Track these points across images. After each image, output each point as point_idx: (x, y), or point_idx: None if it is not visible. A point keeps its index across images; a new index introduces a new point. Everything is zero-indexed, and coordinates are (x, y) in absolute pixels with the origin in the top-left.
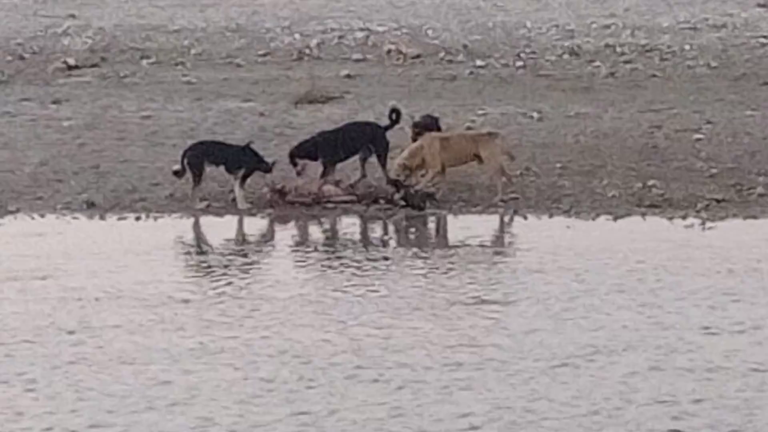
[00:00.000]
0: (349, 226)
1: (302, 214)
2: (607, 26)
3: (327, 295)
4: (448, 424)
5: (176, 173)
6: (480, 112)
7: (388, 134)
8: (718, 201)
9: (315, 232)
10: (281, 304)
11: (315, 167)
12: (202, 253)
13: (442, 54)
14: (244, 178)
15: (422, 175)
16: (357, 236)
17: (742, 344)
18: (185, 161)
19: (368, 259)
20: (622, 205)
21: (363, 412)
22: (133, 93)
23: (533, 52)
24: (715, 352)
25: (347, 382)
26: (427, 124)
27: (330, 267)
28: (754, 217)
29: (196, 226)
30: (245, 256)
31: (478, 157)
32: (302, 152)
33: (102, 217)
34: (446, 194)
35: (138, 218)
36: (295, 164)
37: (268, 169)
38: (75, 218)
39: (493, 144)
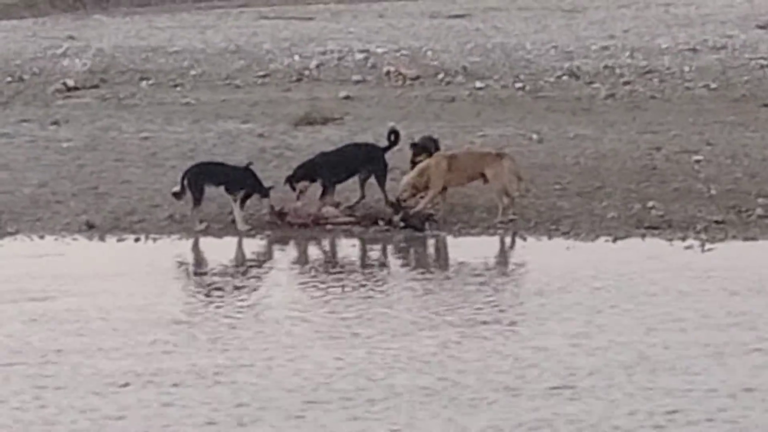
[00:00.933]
0: (348, 247)
1: (301, 235)
2: (606, 48)
3: (325, 316)
4: None
5: (176, 194)
6: (479, 133)
7: (387, 156)
8: (717, 222)
9: (314, 253)
10: (278, 325)
11: (314, 189)
12: (201, 274)
13: (441, 75)
14: (243, 200)
15: (421, 197)
16: (356, 258)
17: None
18: (185, 182)
19: (367, 281)
20: (621, 227)
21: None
22: (133, 114)
23: (532, 74)
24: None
25: (347, 403)
26: (426, 146)
27: (328, 289)
28: (754, 239)
29: (196, 247)
30: (244, 277)
31: (483, 176)
32: (300, 175)
33: (101, 239)
34: (446, 215)
35: (137, 239)
36: (293, 189)
37: (265, 194)
38: (74, 239)
39: (499, 164)
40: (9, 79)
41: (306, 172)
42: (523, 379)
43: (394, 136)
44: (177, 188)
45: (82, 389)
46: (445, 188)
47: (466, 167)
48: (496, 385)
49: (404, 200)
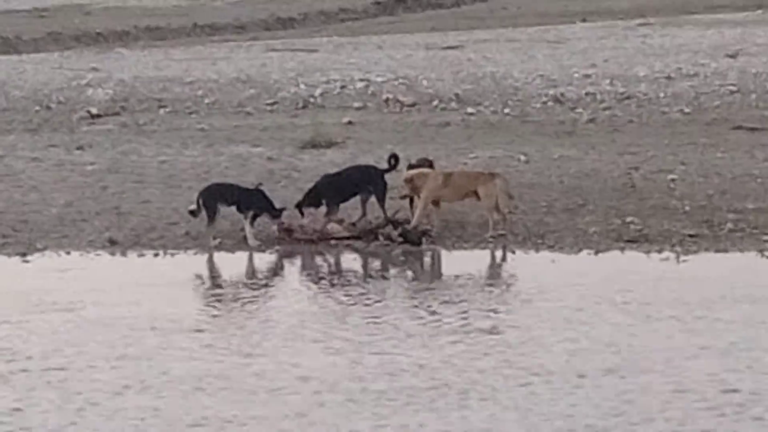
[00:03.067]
0: (351, 261)
1: (308, 250)
2: (588, 76)
3: (330, 324)
4: None
5: (192, 213)
6: (471, 155)
7: (387, 177)
8: (691, 236)
9: (319, 266)
10: (285, 332)
11: (320, 208)
12: (216, 286)
13: (435, 102)
14: (254, 218)
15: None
16: (358, 270)
17: (717, 366)
18: (200, 202)
19: (369, 292)
20: (602, 241)
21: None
22: (151, 139)
23: (520, 100)
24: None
25: (351, 404)
26: (423, 167)
27: (333, 299)
28: (725, 251)
29: (210, 261)
30: (255, 289)
31: (476, 194)
32: (308, 202)
33: (123, 254)
34: (440, 231)
35: (156, 255)
36: (302, 214)
37: (276, 215)
38: (98, 255)
39: (491, 183)
40: (37, 107)
41: (313, 198)
42: (506, 379)
43: (394, 160)
44: (193, 207)
45: (107, 391)
46: (438, 203)
47: (461, 185)
48: (482, 384)
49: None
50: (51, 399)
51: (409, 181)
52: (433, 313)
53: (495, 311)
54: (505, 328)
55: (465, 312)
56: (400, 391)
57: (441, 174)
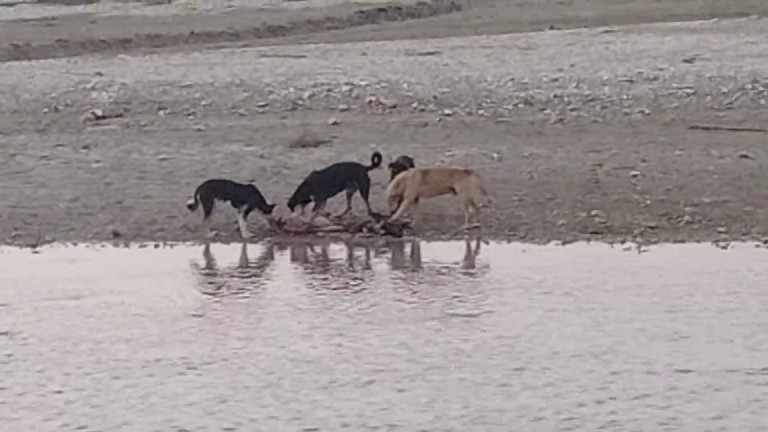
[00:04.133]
0: (337, 251)
1: (297, 241)
2: (556, 79)
3: (320, 309)
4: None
5: (190, 207)
6: (448, 153)
7: (370, 173)
8: (651, 228)
9: (308, 256)
10: (280, 317)
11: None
12: (212, 275)
13: (415, 104)
14: (247, 212)
15: (397, 206)
16: (343, 260)
17: (671, 348)
18: (198, 196)
19: (354, 279)
20: (569, 232)
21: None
22: (152, 139)
23: (493, 102)
24: (656, 353)
25: (335, 385)
26: (403, 165)
27: (322, 286)
28: (683, 242)
29: (207, 252)
30: (248, 277)
31: (453, 190)
32: (298, 199)
33: (126, 245)
34: (419, 223)
35: (157, 246)
36: (293, 210)
37: (267, 211)
38: (103, 246)
39: (466, 180)
40: (46, 109)
41: (302, 195)
42: (484, 362)
43: (377, 158)
44: (191, 201)
45: (111, 374)
46: (417, 198)
47: (438, 181)
48: (467, 366)
49: (392, 209)
50: (61, 379)
51: (396, 186)
52: (413, 299)
53: (470, 297)
54: (479, 313)
55: (442, 298)
56: (371, 372)
57: (419, 172)
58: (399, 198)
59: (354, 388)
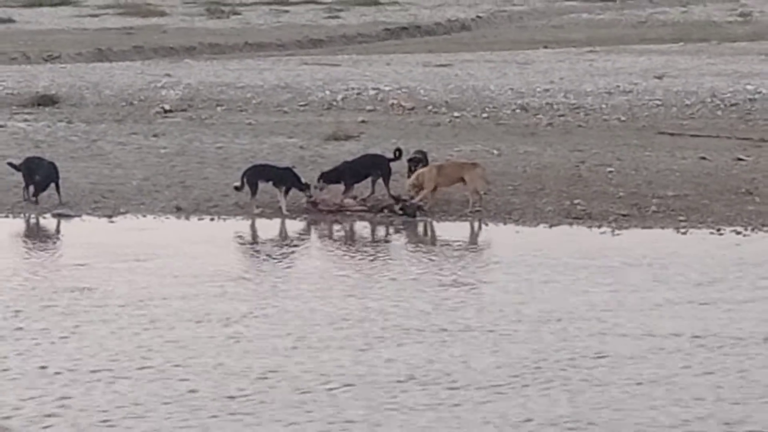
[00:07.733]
0: (362, 228)
1: (329, 219)
2: (547, 90)
3: (348, 275)
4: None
5: (236, 188)
6: (456, 149)
7: (392, 164)
8: (624, 215)
9: (338, 231)
10: (311, 280)
11: (338, 186)
12: (257, 243)
13: (430, 107)
14: (286, 192)
15: (417, 192)
16: (367, 235)
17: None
18: (244, 179)
19: (375, 250)
20: (555, 217)
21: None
22: (210, 130)
23: (494, 107)
24: (625, 320)
25: (354, 340)
26: (419, 158)
27: (349, 255)
28: (650, 227)
29: (253, 225)
30: (288, 247)
31: (463, 180)
32: (329, 178)
33: (187, 218)
34: (432, 207)
35: (212, 219)
36: (319, 186)
37: (303, 188)
38: (167, 218)
39: (474, 171)
40: (123, 103)
41: (332, 176)
42: (481, 322)
43: (398, 152)
44: (237, 184)
45: (171, 324)
46: (435, 188)
47: (450, 173)
48: (461, 325)
49: (411, 197)
50: (131, 329)
51: (416, 178)
52: (424, 269)
53: (472, 269)
54: (479, 282)
55: (450, 268)
56: (387, 328)
57: (435, 167)
58: (418, 188)
59: (390, 343)
